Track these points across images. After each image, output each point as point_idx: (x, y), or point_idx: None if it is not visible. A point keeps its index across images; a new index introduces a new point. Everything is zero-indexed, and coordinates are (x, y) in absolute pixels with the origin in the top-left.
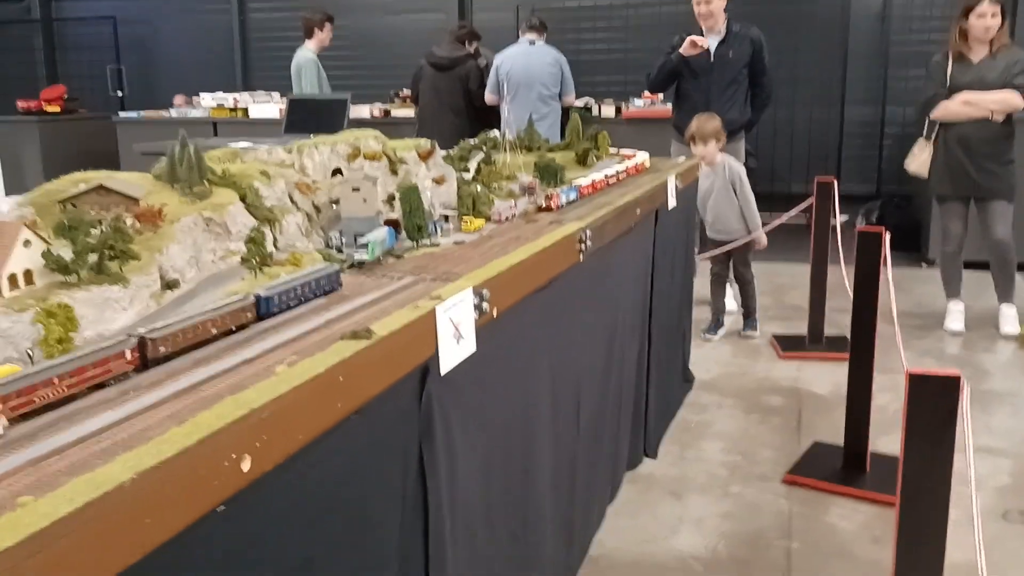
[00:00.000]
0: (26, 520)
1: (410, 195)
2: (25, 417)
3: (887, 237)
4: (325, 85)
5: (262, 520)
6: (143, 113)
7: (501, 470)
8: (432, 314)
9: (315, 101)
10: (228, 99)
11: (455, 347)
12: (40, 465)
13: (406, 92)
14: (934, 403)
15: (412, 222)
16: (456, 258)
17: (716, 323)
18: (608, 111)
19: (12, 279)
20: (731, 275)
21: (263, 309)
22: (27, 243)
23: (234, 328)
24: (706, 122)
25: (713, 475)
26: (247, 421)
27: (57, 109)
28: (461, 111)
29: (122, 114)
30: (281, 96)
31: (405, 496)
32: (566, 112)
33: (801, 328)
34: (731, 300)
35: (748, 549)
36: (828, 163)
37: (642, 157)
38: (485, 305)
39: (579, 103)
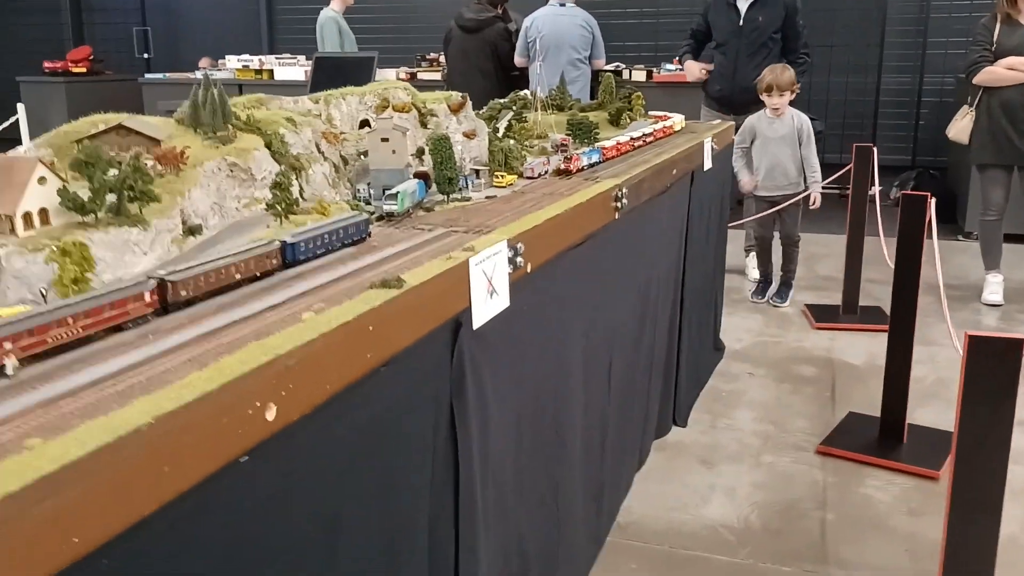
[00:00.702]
0: (34, 464)
1: (441, 146)
2: (37, 359)
3: (932, 202)
4: (350, 44)
5: (287, 473)
6: (169, 75)
7: (532, 431)
8: (465, 266)
9: (341, 59)
10: (254, 61)
11: (488, 301)
12: (51, 407)
13: (432, 55)
14: (994, 366)
15: (443, 174)
16: (489, 212)
17: (764, 284)
18: (639, 76)
19: (27, 218)
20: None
21: (289, 256)
22: (42, 180)
23: (258, 275)
24: (781, 73)
25: (745, 444)
26: (272, 368)
27: (83, 70)
28: (490, 74)
29: (148, 76)
30: (307, 59)
31: (435, 454)
32: (595, 76)
33: (834, 298)
34: (753, 270)
35: (781, 519)
36: (863, 132)
37: (675, 119)
38: (519, 259)
39: (609, 67)
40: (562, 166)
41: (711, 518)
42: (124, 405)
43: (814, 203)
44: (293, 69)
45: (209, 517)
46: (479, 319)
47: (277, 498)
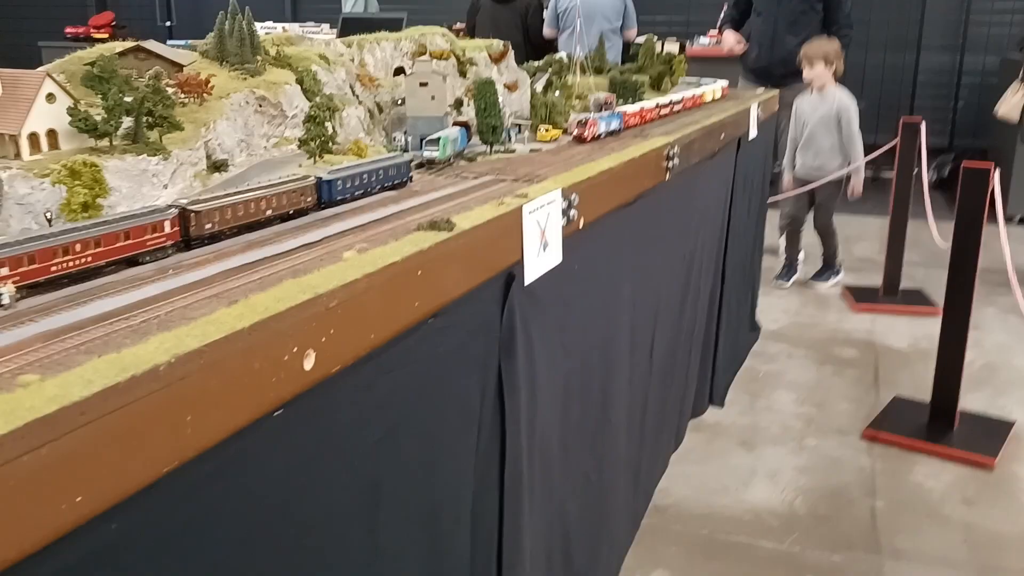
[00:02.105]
0: (27, 403)
1: (486, 90)
2: (38, 290)
3: (996, 173)
4: (373, 6)
5: (325, 432)
6: (191, 42)
7: (579, 401)
8: (518, 214)
9: (369, 20)
10: (277, 28)
11: (541, 255)
12: (52, 341)
13: (459, 25)
14: None
15: (486, 121)
16: (537, 162)
17: (790, 269)
18: (671, 48)
19: (33, 139)
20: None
21: (325, 194)
22: (51, 98)
23: (291, 212)
24: (824, 43)
25: (787, 427)
26: (311, 308)
27: (105, 36)
28: (519, 46)
29: (170, 43)
30: (331, 28)
31: (481, 422)
32: (626, 48)
33: (872, 280)
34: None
35: (829, 506)
36: (899, 112)
37: (716, 85)
38: (573, 212)
39: (641, 39)
40: (574, 132)
41: (753, 502)
42: (138, 342)
43: (852, 193)
44: (317, 37)
45: (235, 480)
46: (531, 274)
47: (313, 462)
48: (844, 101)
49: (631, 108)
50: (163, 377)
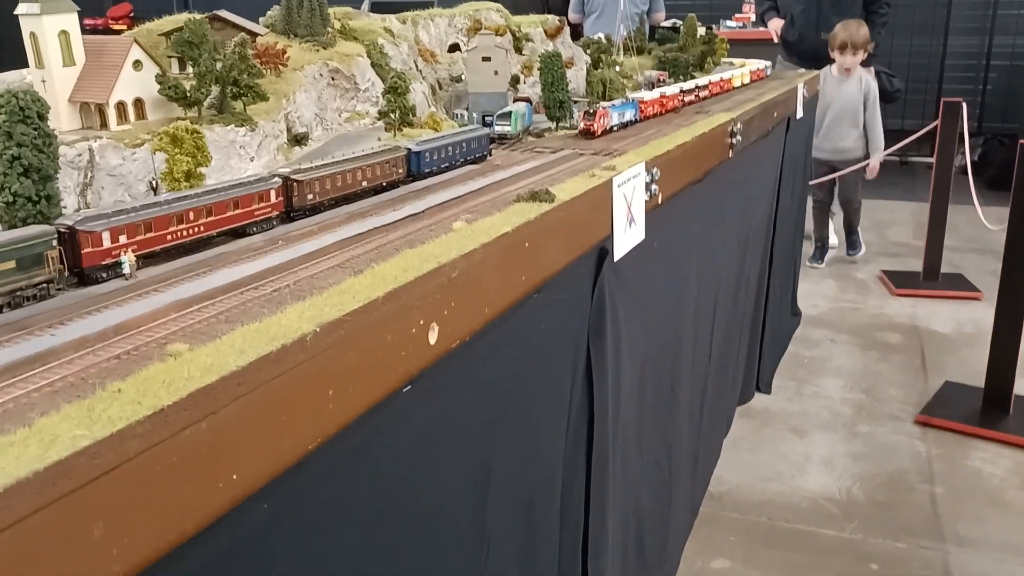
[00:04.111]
0: (183, 373)
1: (552, 64)
2: (151, 260)
3: None
4: None
5: (444, 411)
6: None
7: (653, 385)
8: (608, 186)
9: (399, 3)
10: None
11: (628, 230)
12: (189, 311)
13: None
14: None
15: (553, 96)
16: (609, 137)
17: (821, 251)
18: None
19: (120, 109)
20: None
21: (414, 166)
22: (138, 65)
23: (384, 184)
24: (856, 30)
25: (837, 413)
26: (435, 279)
27: (124, 27)
28: None
29: None
30: None
31: (571, 404)
32: (652, 32)
33: (908, 264)
34: (832, 234)
35: (887, 492)
36: (927, 96)
37: (750, 66)
38: (654, 187)
39: (667, 23)
40: (582, 125)
41: (810, 489)
42: (276, 311)
43: (872, 172)
44: None
45: (368, 458)
46: (620, 249)
47: (433, 442)
48: (871, 82)
49: (649, 95)
50: (310, 347)
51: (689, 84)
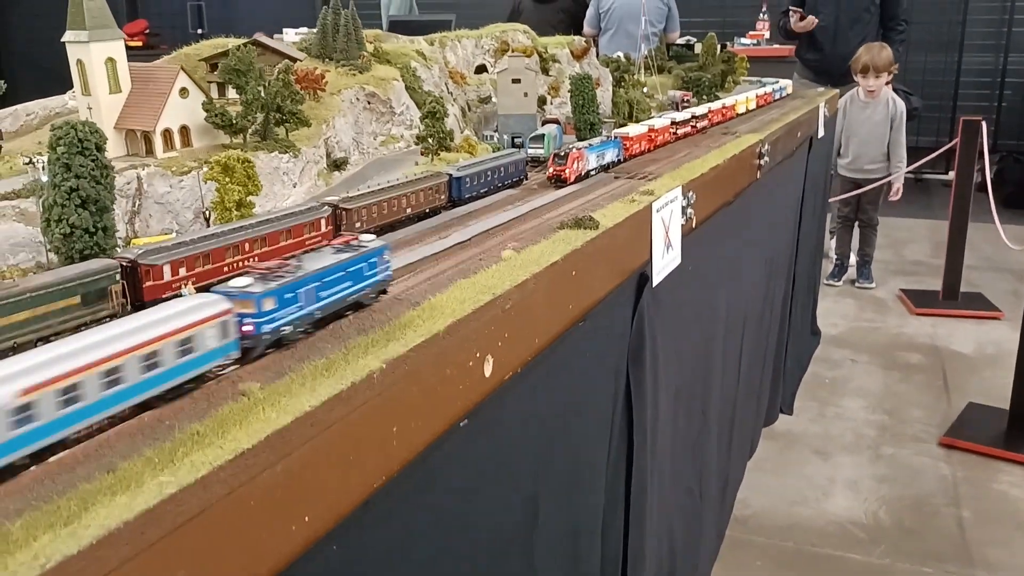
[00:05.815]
0: (259, 414)
1: (583, 86)
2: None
3: None
4: (414, 11)
5: (497, 444)
6: None
7: (685, 411)
8: (648, 211)
9: (417, 23)
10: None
11: (665, 255)
12: None
13: None
14: None
15: (584, 118)
16: (641, 160)
17: (840, 268)
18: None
19: (166, 136)
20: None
21: (455, 192)
22: (184, 92)
23: (427, 211)
24: (879, 53)
25: (860, 435)
26: (490, 311)
27: (139, 44)
28: None
29: None
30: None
31: (612, 432)
32: (667, 49)
33: (927, 283)
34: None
35: (913, 516)
36: (941, 114)
37: (763, 89)
38: (690, 211)
39: (681, 41)
40: (551, 171)
41: (836, 513)
42: (340, 347)
43: (896, 193)
44: None
45: (428, 496)
46: (658, 275)
47: (487, 475)
48: (899, 103)
49: (635, 130)
50: (377, 385)
51: (683, 115)
